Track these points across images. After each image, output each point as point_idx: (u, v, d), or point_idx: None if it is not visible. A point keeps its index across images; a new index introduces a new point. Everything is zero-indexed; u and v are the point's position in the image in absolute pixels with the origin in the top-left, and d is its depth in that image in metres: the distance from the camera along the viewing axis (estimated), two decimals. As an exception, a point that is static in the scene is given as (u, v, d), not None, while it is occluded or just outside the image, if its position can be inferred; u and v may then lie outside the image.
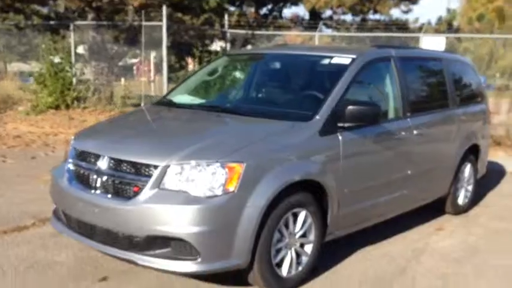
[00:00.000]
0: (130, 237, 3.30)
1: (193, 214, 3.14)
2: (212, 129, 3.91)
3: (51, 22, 13.41)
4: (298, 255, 3.69)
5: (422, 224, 5.27)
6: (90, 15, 12.71)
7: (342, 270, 4.03)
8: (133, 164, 3.37)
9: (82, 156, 3.73)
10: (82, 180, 3.63)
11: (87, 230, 3.55)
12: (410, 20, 16.09)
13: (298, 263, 3.70)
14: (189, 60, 21.26)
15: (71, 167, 3.77)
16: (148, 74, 27.97)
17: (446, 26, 13.91)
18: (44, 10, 15.00)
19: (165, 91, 11.65)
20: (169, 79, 12.94)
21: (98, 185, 3.47)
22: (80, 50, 13.28)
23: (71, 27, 12.45)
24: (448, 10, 15.88)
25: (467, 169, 5.73)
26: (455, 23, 14.70)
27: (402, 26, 13.96)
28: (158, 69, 18.28)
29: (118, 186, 3.40)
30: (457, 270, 4.15)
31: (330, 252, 4.20)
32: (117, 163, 3.44)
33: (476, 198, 6.22)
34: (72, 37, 12.45)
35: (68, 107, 11.96)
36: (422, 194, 5.01)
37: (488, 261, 4.36)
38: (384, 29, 13.53)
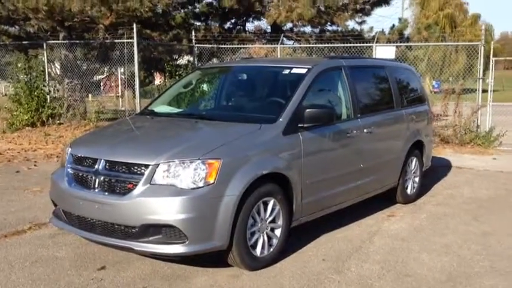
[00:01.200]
0: (127, 227, 3.89)
1: (180, 204, 3.76)
2: (192, 133, 4.57)
3: (24, 42, 13.74)
4: (269, 238, 4.35)
5: (376, 212, 6.01)
6: (61, 34, 13.14)
7: (307, 251, 4.70)
8: (127, 165, 3.99)
9: (79, 161, 4.32)
10: (81, 181, 4.21)
11: (88, 225, 4.13)
12: (366, 29, 16.97)
13: (270, 245, 4.36)
14: (157, 74, 21.79)
15: (70, 170, 4.34)
16: (116, 89, 28.26)
17: (397, 35, 14.86)
18: (13, 30, 15.27)
19: (137, 105, 12.20)
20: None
21: (96, 184, 4.06)
22: (52, 68, 13.64)
23: (44, 46, 12.84)
24: (400, 19, 16.81)
25: (414, 163, 6.52)
26: (406, 32, 15.68)
27: (357, 36, 14.85)
28: (127, 84, 18.70)
29: (114, 184, 4.00)
30: (404, 246, 4.89)
31: (297, 237, 4.87)
32: (112, 165, 4.05)
33: (424, 190, 7.04)
34: (45, 56, 12.84)
35: (43, 123, 12.38)
36: (374, 185, 5.75)
37: (429, 238, 5.12)
38: (340, 39, 14.38)
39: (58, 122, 12.54)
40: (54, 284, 3.91)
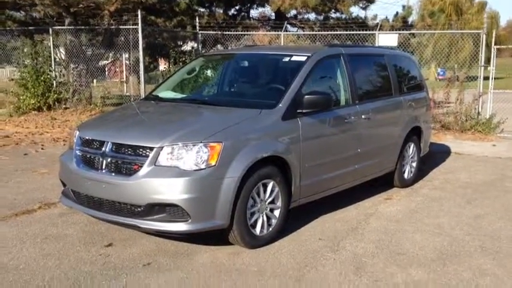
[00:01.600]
0: (133, 206, 4.10)
1: (183, 184, 3.96)
2: (195, 118, 4.75)
3: (30, 27, 13.91)
4: (268, 218, 4.56)
5: (374, 195, 6.21)
6: (67, 20, 13.29)
7: (305, 231, 4.90)
8: (133, 147, 4.18)
9: (87, 143, 4.52)
10: (89, 163, 4.42)
11: (96, 204, 4.34)
12: (370, 17, 17.03)
13: (269, 225, 4.57)
14: (161, 60, 21.94)
15: (78, 152, 4.55)
16: (121, 75, 28.44)
17: (401, 22, 14.92)
18: (19, 15, 15.45)
19: (142, 90, 12.38)
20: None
21: (104, 166, 4.27)
22: (58, 53, 13.82)
23: (50, 31, 13.01)
24: (404, 6, 16.85)
25: (411, 148, 6.70)
26: (410, 19, 15.73)
27: (361, 24, 14.94)
28: (132, 70, 18.87)
29: (121, 165, 4.20)
30: (399, 227, 5.08)
31: (295, 218, 5.07)
32: (119, 147, 4.25)
33: (422, 174, 7.23)
34: (51, 41, 13.02)
35: (49, 108, 12.60)
36: (371, 169, 5.94)
37: (423, 220, 5.31)
38: (344, 26, 14.47)
39: (64, 106, 12.77)
40: (64, 258, 4.13)
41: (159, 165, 4.05)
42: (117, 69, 28.83)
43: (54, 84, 12.84)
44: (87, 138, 4.55)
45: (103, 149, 4.31)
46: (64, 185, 4.79)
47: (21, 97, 12.61)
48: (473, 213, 5.58)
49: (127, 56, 22.31)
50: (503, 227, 5.11)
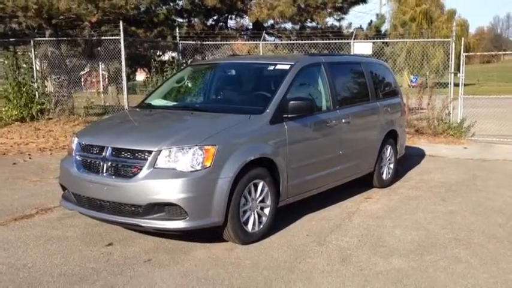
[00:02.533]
0: (133, 206, 4.38)
1: (181, 184, 4.26)
2: (189, 123, 5.06)
3: (12, 39, 14.01)
4: (259, 216, 4.88)
5: (355, 195, 6.59)
6: (48, 31, 13.44)
7: (293, 228, 5.24)
8: (132, 151, 4.47)
9: (87, 149, 4.79)
10: (89, 167, 4.68)
11: (97, 205, 4.60)
12: (345, 26, 17.51)
13: (260, 222, 4.89)
14: (140, 70, 22.11)
15: (78, 158, 4.81)
16: (97, 85, 28.44)
17: (375, 31, 15.48)
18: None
19: (125, 100, 12.60)
20: (120, 89, 13.79)
21: (104, 169, 4.54)
22: (38, 64, 13.93)
23: (32, 43, 13.14)
24: (377, 15, 17.44)
25: (388, 150, 7.12)
26: (383, 28, 16.31)
27: (337, 33, 15.44)
28: (110, 80, 19.03)
29: (121, 168, 4.48)
30: (379, 223, 5.46)
31: (283, 216, 5.40)
32: (119, 151, 4.53)
33: (399, 175, 7.65)
34: (33, 52, 13.14)
35: (32, 119, 12.70)
36: (352, 170, 6.32)
37: (402, 216, 5.71)
38: (320, 36, 14.95)
39: (47, 117, 12.87)
40: (69, 257, 4.37)
41: (158, 167, 4.34)
42: (93, 80, 28.86)
43: (37, 95, 12.94)
44: (86, 144, 4.81)
45: (103, 153, 4.58)
46: (64, 189, 5.03)
47: (4, 109, 12.68)
48: (447, 209, 5.99)
49: (103, 66, 22.46)
50: (474, 221, 5.53)
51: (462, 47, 11.84)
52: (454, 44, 11.86)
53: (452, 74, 12.04)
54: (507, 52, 36.41)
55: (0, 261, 4.27)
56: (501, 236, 5.03)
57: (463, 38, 12.50)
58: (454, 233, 5.14)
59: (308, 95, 5.64)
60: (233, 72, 6.31)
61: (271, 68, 5.85)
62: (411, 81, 29.16)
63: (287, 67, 5.55)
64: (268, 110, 5.03)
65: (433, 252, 4.59)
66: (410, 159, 8.93)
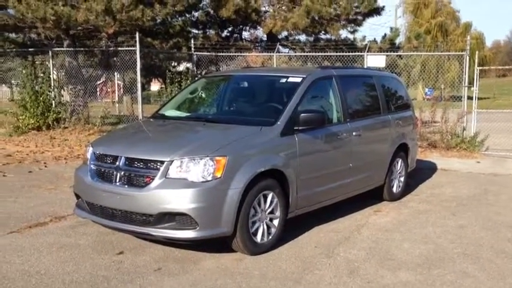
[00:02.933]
0: (145, 215, 4.46)
1: (192, 195, 4.33)
2: (201, 134, 5.16)
3: (30, 49, 14.31)
4: (268, 227, 4.93)
5: (364, 208, 6.61)
6: (66, 42, 13.71)
7: (302, 240, 5.28)
8: (145, 161, 4.56)
9: (101, 158, 4.90)
10: (103, 176, 4.79)
11: (110, 214, 4.69)
12: (359, 38, 17.60)
13: (269, 233, 4.94)
14: (155, 81, 22.37)
15: (93, 167, 4.91)
16: (112, 95, 28.78)
17: (389, 43, 15.53)
18: (17, 37, 15.83)
19: (140, 110, 12.77)
20: (135, 99, 13.97)
21: (118, 178, 4.63)
22: (55, 74, 14.19)
23: (50, 53, 13.41)
24: (391, 29, 17.51)
25: (399, 164, 7.14)
26: (397, 41, 16.36)
27: (350, 45, 15.54)
28: (126, 90, 19.28)
29: (133, 178, 4.58)
30: (388, 236, 5.48)
31: (292, 228, 5.45)
32: (132, 161, 4.63)
33: (410, 189, 7.65)
34: (50, 62, 13.41)
35: (48, 127, 12.92)
36: (362, 183, 6.35)
37: (411, 230, 5.72)
38: (334, 48, 15.06)
39: (63, 126, 13.09)
40: (80, 264, 4.46)
41: (169, 177, 4.43)
42: (108, 90, 29.22)
43: (53, 104, 13.17)
44: (101, 153, 4.92)
45: (117, 163, 4.68)
46: (78, 197, 5.14)
47: (21, 117, 12.92)
48: (457, 223, 5.99)
49: (118, 76, 22.78)
50: (484, 236, 5.52)
51: (476, 60, 11.83)
52: (468, 57, 11.85)
53: (466, 88, 12.02)
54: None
55: (14, 268, 4.38)
56: (510, 251, 5.02)
57: (477, 52, 12.49)
58: (462, 247, 5.14)
59: (319, 108, 5.70)
60: (245, 84, 6.41)
61: (283, 80, 5.92)
62: (426, 94, 29.07)
63: (299, 80, 5.63)
64: (279, 122, 5.10)
65: (440, 266, 4.60)
66: (421, 172, 8.93)
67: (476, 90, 11.99)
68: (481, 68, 12.37)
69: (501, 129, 12.26)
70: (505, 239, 5.40)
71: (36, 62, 13.82)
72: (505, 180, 8.60)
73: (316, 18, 15.44)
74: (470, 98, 12.07)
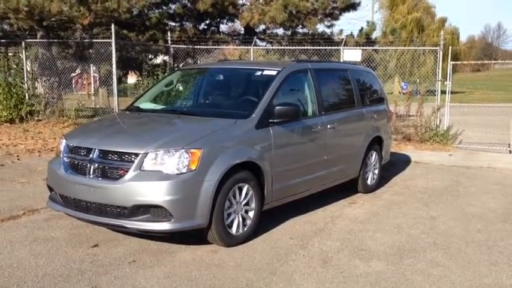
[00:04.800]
0: (119, 208, 4.44)
1: (166, 187, 4.33)
2: (176, 126, 5.15)
3: (2, 40, 14.02)
4: (243, 219, 4.96)
5: (339, 199, 6.69)
6: (39, 33, 13.47)
7: (277, 231, 5.33)
8: (119, 154, 4.54)
9: (74, 150, 4.85)
10: (76, 168, 4.75)
11: (83, 207, 4.66)
12: (336, 32, 17.68)
13: (244, 225, 4.97)
14: (131, 73, 22.15)
15: (66, 159, 4.87)
16: (88, 88, 28.40)
17: (365, 38, 15.67)
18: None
19: (115, 102, 12.65)
20: (111, 91, 13.82)
21: (91, 171, 4.60)
22: (29, 65, 13.94)
23: (23, 44, 13.17)
24: (368, 23, 17.64)
25: (373, 156, 7.24)
26: (373, 35, 16.50)
27: (327, 39, 15.62)
28: (102, 82, 19.04)
29: (107, 170, 4.55)
30: (362, 227, 5.56)
31: (267, 220, 5.48)
32: (106, 153, 4.60)
33: (384, 181, 7.77)
34: (24, 54, 13.17)
35: (22, 120, 12.71)
36: (337, 175, 6.43)
37: (384, 221, 5.82)
38: (311, 42, 15.12)
39: (37, 118, 12.89)
40: (54, 257, 4.43)
41: (144, 169, 4.42)
42: (84, 82, 28.81)
43: (27, 97, 12.96)
44: (74, 145, 4.88)
45: (90, 155, 4.65)
46: (51, 190, 5.08)
47: (-7, 109, 12.69)
48: (429, 214, 6.11)
49: (94, 68, 22.50)
50: (454, 226, 5.65)
51: (450, 55, 12.03)
52: (441, 52, 12.04)
53: (440, 82, 12.21)
54: (496, 61, 36.78)
55: (-14, 261, 4.33)
56: (479, 241, 5.15)
57: (450, 47, 12.69)
58: (433, 237, 5.25)
59: (294, 101, 5.73)
60: (221, 77, 6.41)
61: (259, 73, 5.94)
62: (402, 88, 29.40)
63: (274, 73, 5.66)
64: (254, 115, 5.12)
65: (412, 256, 4.70)
66: (395, 165, 9.06)
67: (449, 84, 12.19)
68: (454, 62, 12.58)
69: (474, 123, 12.52)
70: (474, 230, 5.54)
71: (9, 54, 13.54)
72: (476, 173, 8.79)
73: (294, 12, 15.46)
74: (444, 92, 12.28)
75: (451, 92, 12.24)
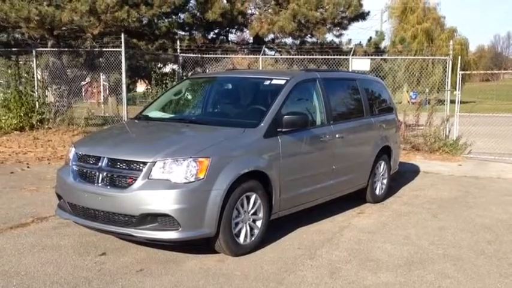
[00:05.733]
0: (127, 216, 4.45)
1: (174, 196, 4.33)
2: (184, 135, 5.16)
3: (14, 49, 14.17)
4: (251, 228, 4.95)
5: (347, 209, 6.66)
6: (50, 42, 13.60)
7: (284, 241, 5.30)
8: (128, 162, 4.55)
9: (83, 159, 4.87)
10: (85, 176, 4.77)
11: (91, 215, 4.67)
12: (345, 42, 17.69)
13: (252, 234, 4.95)
14: (140, 82, 22.25)
15: (75, 167, 4.89)
16: (98, 96, 28.55)
17: (374, 47, 15.67)
18: (1, 37, 15.67)
19: (124, 111, 12.71)
20: (120, 100, 13.90)
21: (100, 179, 4.62)
22: (39, 74, 14.06)
23: (34, 53, 13.29)
24: (376, 32, 17.65)
25: (382, 166, 7.20)
26: (382, 45, 16.49)
27: (336, 48, 15.63)
28: (111, 91, 19.17)
29: (116, 179, 4.56)
30: (370, 238, 5.52)
31: (275, 229, 5.47)
32: (114, 162, 4.61)
33: (392, 191, 7.73)
34: (34, 62, 13.29)
35: (32, 128, 12.80)
36: (345, 185, 6.40)
37: (393, 232, 5.77)
38: (320, 51, 15.13)
39: (47, 126, 12.98)
40: (62, 266, 4.44)
41: (152, 178, 4.42)
42: (94, 90, 29.00)
43: (37, 105, 13.06)
44: (83, 154, 4.90)
45: (99, 164, 4.67)
46: (59, 198, 5.10)
47: (4, 117, 12.79)
48: (438, 225, 6.06)
49: (104, 77, 22.68)
50: (464, 238, 5.60)
51: (459, 65, 11.99)
52: (451, 62, 12.00)
53: (449, 92, 12.16)
54: (506, 71, 36.62)
55: (-5, 268, 4.34)
56: (489, 253, 5.10)
57: (459, 57, 12.66)
58: (442, 248, 5.20)
59: (303, 110, 5.71)
60: (230, 86, 6.43)
61: (267, 82, 5.95)
62: (410, 97, 29.31)
63: (282, 82, 5.66)
64: (262, 124, 5.12)
65: (421, 268, 4.66)
66: (404, 175, 9.02)
67: (458, 94, 12.14)
68: (463, 72, 12.52)
69: (483, 133, 12.42)
70: (484, 241, 5.48)
71: (20, 62, 13.67)
72: (486, 183, 8.72)
73: (303, 21, 15.49)
74: (453, 102, 12.23)
75: (461, 102, 12.19)
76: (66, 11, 11.86)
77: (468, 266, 4.71)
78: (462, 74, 12.12)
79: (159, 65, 16.47)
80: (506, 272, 4.60)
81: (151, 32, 15.29)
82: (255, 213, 4.96)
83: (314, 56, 14.58)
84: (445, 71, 12.58)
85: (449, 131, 11.90)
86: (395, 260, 4.84)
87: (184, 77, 12.63)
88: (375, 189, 7.07)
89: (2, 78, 13.52)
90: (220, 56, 15.34)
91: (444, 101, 12.56)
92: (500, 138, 12.57)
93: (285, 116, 5.17)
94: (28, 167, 9.07)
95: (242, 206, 4.81)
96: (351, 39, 17.73)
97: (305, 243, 5.27)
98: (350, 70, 12.01)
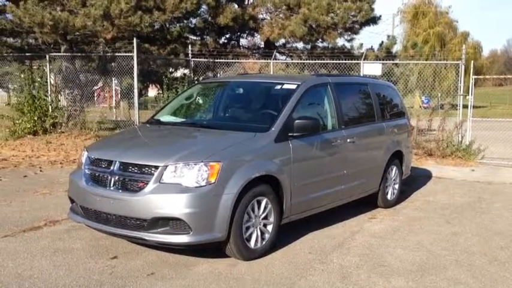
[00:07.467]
0: (138, 220, 4.47)
1: (185, 200, 4.35)
2: (195, 139, 5.18)
3: (28, 54, 14.33)
4: (262, 232, 4.94)
5: (359, 214, 6.63)
6: (63, 47, 13.74)
7: (295, 246, 5.29)
8: (139, 166, 4.58)
9: (96, 163, 4.91)
10: (97, 180, 4.80)
11: (103, 218, 4.70)
12: (356, 46, 17.67)
13: (263, 239, 4.95)
14: (152, 86, 22.39)
15: (87, 171, 4.93)
16: (110, 100, 28.75)
17: (385, 52, 15.62)
18: (15, 41, 15.85)
19: (136, 115, 12.79)
20: (132, 104, 14.00)
21: (112, 183, 4.65)
22: (53, 79, 14.20)
23: (47, 58, 13.43)
24: (388, 37, 17.61)
25: (394, 171, 7.16)
26: (393, 49, 16.45)
27: (347, 53, 15.62)
28: (123, 95, 19.32)
29: (127, 183, 4.59)
30: (382, 243, 5.49)
31: (286, 234, 5.46)
32: (126, 166, 4.64)
33: (404, 196, 7.68)
34: (48, 67, 13.42)
35: (45, 132, 12.91)
36: (357, 190, 6.37)
37: (405, 237, 5.74)
38: (331, 55, 15.13)
39: (59, 130, 13.09)
40: (74, 269, 4.47)
41: (164, 182, 4.44)
42: (106, 95, 29.21)
43: (50, 109, 13.18)
44: (95, 157, 4.94)
45: (111, 167, 4.70)
46: (72, 201, 5.14)
47: (17, 121, 12.92)
48: (450, 231, 6.01)
49: (116, 82, 22.85)
50: (477, 244, 5.54)
51: (472, 69, 11.91)
52: (463, 66, 11.93)
53: (462, 96, 12.08)
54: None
55: (7, 272, 4.38)
56: (502, 259, 5.04)
57: (472, 61, 12.58)
58: (455, 254, 5.16)
59: (314, 115, 5.71)
60: (241, 90, 6.44)
61: (279, 87, 5.96)
62: (422, 102, 29.17)
63: (294, 86, 5.66)
64: (273, 128, 5.12)
65: (433, 274, 4.62)
66: (416, 180, 8.96)
67: (471, 99, 12.06)
68: (476, 76, 12.44)
69: (496, 138, 12.32)
70: (497, 247, 5.43)
71: (34, 67, 13.81)
72: (499, 189, 8.63)
73: (314, 26, 15.52)
74: (466, 106, 12.14)
75: (473, 107, 12.10)
76: (80, 16, 11.96)
77: (481, 273, 4.67)
78: (475, 79, 12.05)
79: (170, 70, 16.56)
80: (520, 278, 4.55)
81: (163, 36, 15.41)
82: (265, 218, 4.96)
83: (325, 61, 14.58)
84: (458, 76, 12.50)
85: (462, 137, 11.81)
86: (407, 265, 4.81)
87: (196, 82, 12.66)
88: (387, 194, 7.03)
89: (15, 83, 13.66)
90: (231, 60, 15.39)
91: (456, 105, 12.47)
92: (514, 143, 12.45)
93: (296, 121, 5.17)
94: (41, 171, 9.15)
95: (253, 210, 4.81)
96: (362, 44, 17.71)
97: (316, 247, 5.26)
98: (361, 75, 11.97)
